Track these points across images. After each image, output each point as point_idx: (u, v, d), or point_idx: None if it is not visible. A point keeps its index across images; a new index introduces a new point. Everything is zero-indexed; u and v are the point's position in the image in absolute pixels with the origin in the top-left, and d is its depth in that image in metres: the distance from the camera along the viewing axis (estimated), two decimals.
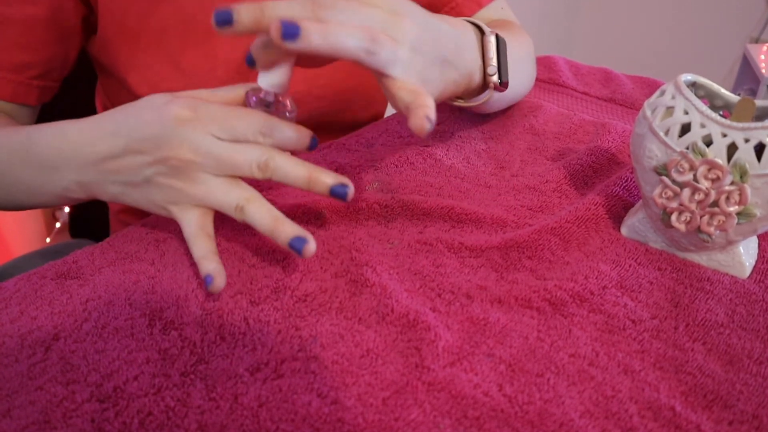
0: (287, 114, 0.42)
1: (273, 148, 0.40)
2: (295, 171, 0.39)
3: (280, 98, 0.41)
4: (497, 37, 0.51)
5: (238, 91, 0.43)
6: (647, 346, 0.36)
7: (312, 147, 0.42)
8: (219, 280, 0.39)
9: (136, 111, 0.41)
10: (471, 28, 0.50)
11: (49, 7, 0.54)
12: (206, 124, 0.39)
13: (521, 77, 0.62)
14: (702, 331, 0.38)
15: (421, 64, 0.40)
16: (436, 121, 0.37)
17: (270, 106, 0.41)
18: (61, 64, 0.58)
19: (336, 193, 0.39)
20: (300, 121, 0.71)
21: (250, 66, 0.41)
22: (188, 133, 0.39)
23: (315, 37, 0.35)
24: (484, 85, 0.52)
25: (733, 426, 0.32)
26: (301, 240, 0.38)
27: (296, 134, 0.41)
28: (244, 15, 0.37)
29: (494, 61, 0.50)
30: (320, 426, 0.31)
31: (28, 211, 1.31)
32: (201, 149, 0.39)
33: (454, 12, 0.69)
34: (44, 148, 0.44)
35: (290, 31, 0.35)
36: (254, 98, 0.41)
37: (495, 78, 0.50)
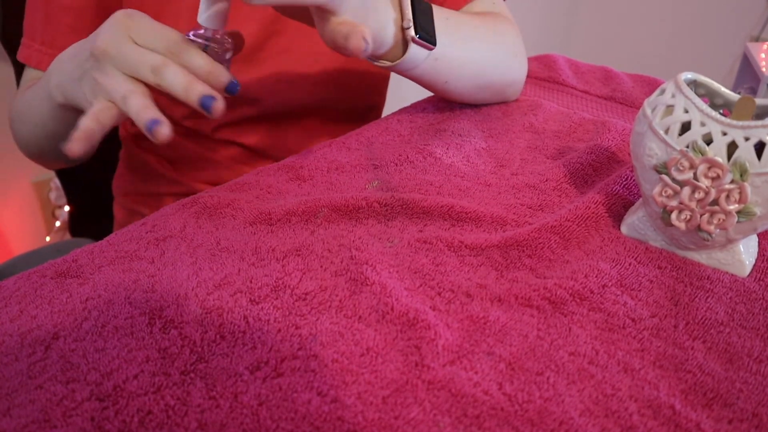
0: (225, 53, 0.45)
1: (172, 58, 0.43)
2: (179, 78, 0.42)
3: (218, 36, 0.44)
4: None
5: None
6: (647, 345, 0.36)
7: (230, 90, 0.45)
8: (75, 144, 0.42)
9: None
10: None
11: None
12: (129, 26, 0.43)
13: (475, 50, 0.62)
14: (702, 329, 0.38)
15: (356, 5, 0.45)
16: (372, 43, 0.41)
17: (208, 41, 0.44)
18: None
19: (203, 103, 0.42)
20: (298, 106, 0.71)
21: None
22: (113, 29, 0.43)
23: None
24: (406, 40, 0.53)
25: (733, 424, 0.32)
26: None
27: (207, 63, 0.43)
28: None
29: (409, 14, 0.52)
30: (320, 424, 0.31)
31: (28, 211, 1.31)
32: (113, 43, 0.43)
33: (445, 5, 0.70)
34: (52, 65, 0.52)
35: None
36: (191, 32, 0.44)
37: (411, 32, 0.52)
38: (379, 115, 0.81)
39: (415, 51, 0.54)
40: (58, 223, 1.34)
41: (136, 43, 0.43)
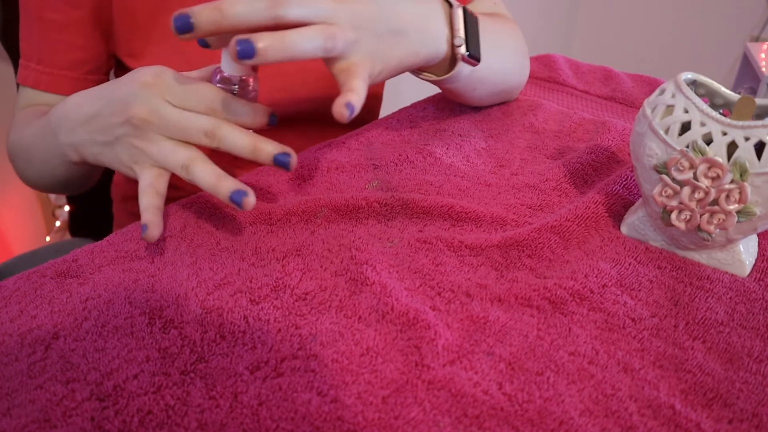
0: (252, 92, 0.45)
1: (223, 119, 0.43)
2: (241, 140, 0.42)
3: (243, 78, 0.44)
4: (465, 10, 0.52)
5: (209, 70, 0.46)
6: (647, 345, 0.36)
7: (271, 123, 0.45)
8: (153, 230, 0.42)
9: (119, 78, 0.46)
10: (438, 1, 0.52)
11: (91, 8, 0.60)
12: (163, 90, 0.43)
13: (503, 59, 0.62)
14: (702, 329, 0.38)
15: (369, 40, 0.43)
16: (360, 104, 0.40)
17: (235, 85, 0.44)
18: (107, 58, 0.65)
19: (279, 161, 0.42)
20: (294, 113, 0.71)
21: (203, 47, 0.43)
22: (146, 96, 0.42)
23: (270, 53, 0.38)
24: (454, 58, 0.53)
25: (733, 424, 0.32)
26: (241, 193, 0.41)
27: (249, 110, 0.44)
28: (203, 20, 0.38)
29: (461, 33, 0.51)
30: (320, 424, 0.31)
31: (28, 211, 1.31)
32: (155, 111, 0.42)
33: None
34: (52, 117, 0.50)
35: (246, 52, 0.37)
36: (218, 77, 0.44)
37: (462, 49, 0.52)
38: (376, 117, 0.81)
39: (462, 68, 0.54)
40: (58, 223, 1.34)
41: (176, 107, 0.43)
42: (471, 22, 0.53)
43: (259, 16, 0.39)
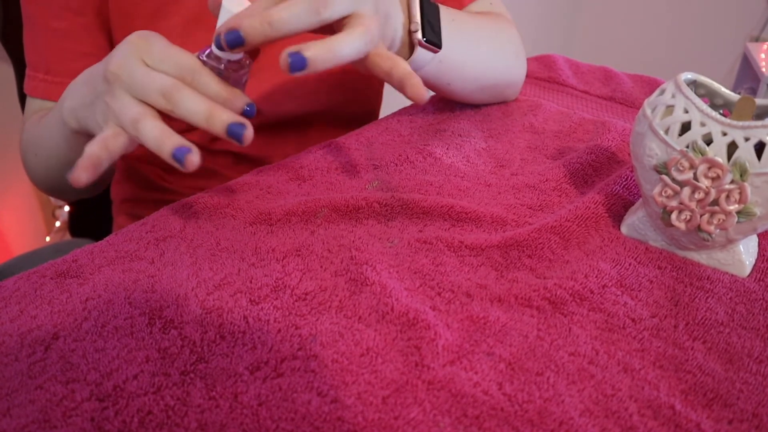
0: (243, 75, 0.43)
1: (186, 84, 0.41)
2: (197, 105, 0.40)
3: (233, 60, 0.42)
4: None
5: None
6: (647, 345, 0.36)
7: (246, 113, 0.42)
8: (79, 173, 0.40)
9: None
10: None
11: (94, 14, 0.60)
12: (141, 49, 0.41)
13: (480, 52, 0.62)
14: (702, 329, 0.38)
15: (381, 24, 0.44)
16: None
17: (224, 64, 0.42)
18: None
19: (232, 132, 0.40)
20: (296, 115, 0.71)
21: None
22: (126, 51, 0.41)
23: (320, 64, 0.38)
24: (412, 42, 0.53)
25: (733, 425, 0.32)
26: (184, 149, 0.39)
27: (223, 90, 0.41)
28: (253, 35, 0.38)
29: (417, 18, 0.52)
30: (320, 425, 0.31)
31: (28, 211, 1.31)
32: (125, 66, 0.41)
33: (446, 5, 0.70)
34: (59, 103, 0.50)
35: (298, 65, 0.37)
36: (207, 51, 0.42)
37: (418, 35, 0.52)
38: (376, 117, 0.81)
39: (422, 54, 0.54)
40: (58, 223, 1.34)
41: (148, 66, 0.41)
42: (429, 8, 0.53)
43: (305, 21, 0.39)
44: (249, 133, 0.40)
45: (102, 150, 0.41)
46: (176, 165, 0.39)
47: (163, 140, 0.39)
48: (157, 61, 0.41)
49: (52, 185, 0.63)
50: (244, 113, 0.42)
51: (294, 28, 0.39)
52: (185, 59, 0.41)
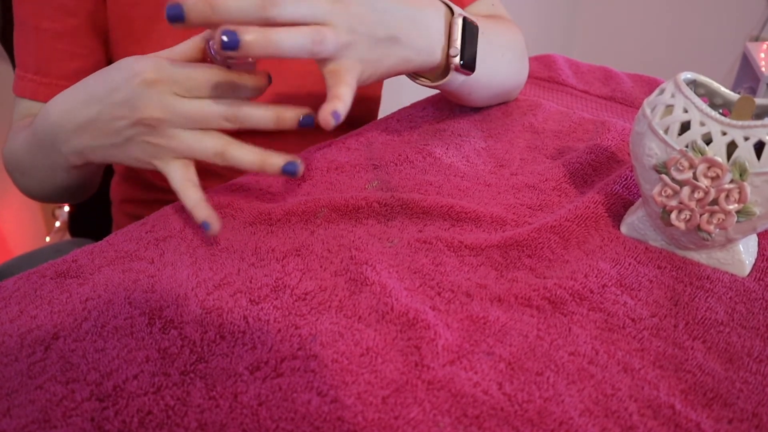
0: (247, 61, 0.44)
1: (238, 99, 0.44)
2: (262, 113, 0.43)
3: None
4: (465, 20, 0.52)
5: (195, 41, 0.46)
6: (647, 345, 0.36)
7: (267, 83, 0.45)
8: (215, 225, 0.43)
9: (106, 75, 0.45)
10: (439, 8, 0.51)
11: (87, 16, 0.60)
12: (169, 84, 0.42)
13: (500, 65, 0.61)
14: (702, 329, 0.38)
15: (362, 44, 0.44)
16: (346, 112, 0.41)
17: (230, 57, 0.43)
18: (107, 66, 0.64)
19: (303, 123, 0.44)
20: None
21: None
22: (154, 95, 0.42)
23: (254, 48, 0.38)
24: (448, 66, 0.53)
25: (733, 424, 0.32)
26: (293, 163, 0.43)
27: (249, 79, 0.44)
28: (193, 14, 0.38)
29: (458, 43, 0.51)
30: (320, 424, 0.31)
31: (28, 211, 1.31)
32: (168, 108, 0.42)
33: None
34: (39, 132, 0.50)
35: (230, 43, 0.37)
36: (212, 47, 0.43)
37: (456, 60, 0.52)
38: (375, 117, 0.81)
39: (455, 76, 0.54)
40: (58, 223, 1.34)
41: (185, 98, 0.43)
42: (470, 31, 0.53)
43: (250, 15, 0.39)
44: (302, 167, 0.44)
45: (198, 190, 0.45)
46: (287, 177, 0.44)
47: (265, 160, 0.44)
48: (190, 89, 0.43)
49: (46, 197, 0.63)
50: (267, 82, 0.45)
51: (235, 17, 0.38)
52: (209, 75, 0.43)
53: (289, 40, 0.39)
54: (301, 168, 0.44)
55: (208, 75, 0.43)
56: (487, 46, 0.57)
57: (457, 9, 0.52)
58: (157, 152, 0.44)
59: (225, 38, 0.37)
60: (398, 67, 0.48)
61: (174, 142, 0.43)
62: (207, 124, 0.43)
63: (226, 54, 0.39)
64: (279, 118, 0.43)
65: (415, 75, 0.55)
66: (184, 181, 0.44)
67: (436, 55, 0.51)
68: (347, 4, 0.42)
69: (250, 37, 0.37)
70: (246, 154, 0.44)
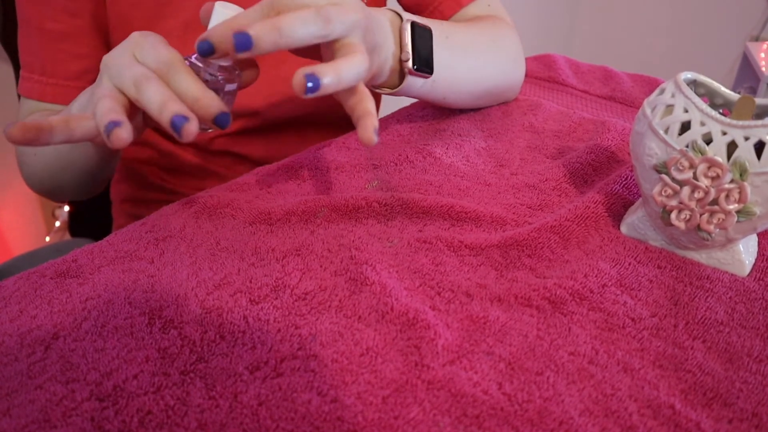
0: (227, 84, 0.43)
1: (161, 77, 0.40)
2: (156, 95, 0.39)
3: (224, 64, 0.42)
4: (414, 24, 0.52)
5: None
6: (647, 345, 0.36)
7: (218, 123, 0.40)
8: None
9: None
10: (386, 13, 0.52)
11: (90, 16, 0.60)
12: (136, 44, 0.42)
13: (474, 65, 0.61)
14: (702, 329, 0.38)
15: (361, 35, 0.43)
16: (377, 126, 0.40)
17: (209, 68, 0.42)
18: None
19: (174, 124, 0.38)
20: (295, 116, 0.71)
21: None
22: (122, 46, 0.42)
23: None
24: (403, 71, 0.53)
25: (733, 424, 0.32)
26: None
27: (195, 90, 0.39)
28: (264, 42, 0.38)
29: (409, 48, 0.52)
30: (320, 424, 0.31)
31: (28, 211, 1.31)
32: (115, 57, 0.42)
33: (437, 12, 0.70)
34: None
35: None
36: (194, 56, 0.42)
37: (409, 64, 0.52)
38: None
39: (412, 80, 0.54)
40: (58, 223, 1.34)
41: (135, 59, 0.41)
42: (421, 35, 0.53)
43: (314, 34, 0.39)
44: (190, 127, 0.38)
45: (61, 123, 0.39)
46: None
47: (104, 117, 0.38)
48: (143, 55, 0.41)
49: (48, 186, 0.63)
50: (217, 120, 0.39)
51: (302, 36, 0.39)
52: (167, 55, 0.40)
53: (300, 25, 0.39)
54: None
55: (165, 52, 0.41)
56: (453, 51, 0.57)
57: (406, 15, 0.52)
58: (91, 101, 0.41)
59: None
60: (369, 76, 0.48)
61: (98, 90, 0.41)
62: (121, 81, 0.40)
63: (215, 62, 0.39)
64: (164, 106, 0.38)
65: (372, 86, 0.54)
66: (108, 91, 0.41)
67: (389, 62, 0.51)
68: (348, 9, 0.42)
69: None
70: (107, 109, 0.39)
